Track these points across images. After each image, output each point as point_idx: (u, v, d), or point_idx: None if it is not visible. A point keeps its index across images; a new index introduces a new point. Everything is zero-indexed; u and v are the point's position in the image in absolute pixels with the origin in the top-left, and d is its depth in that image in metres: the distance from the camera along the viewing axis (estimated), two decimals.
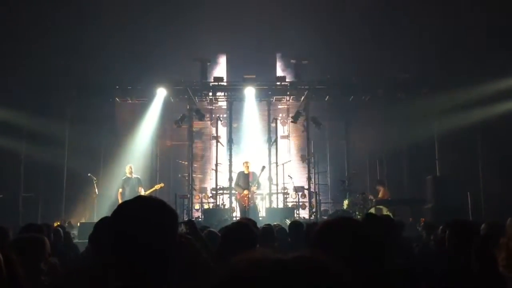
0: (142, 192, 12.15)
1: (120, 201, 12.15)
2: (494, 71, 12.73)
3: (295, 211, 13.45)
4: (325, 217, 12.60)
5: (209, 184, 15.67)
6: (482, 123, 13.26)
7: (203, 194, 14.92)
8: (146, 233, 1.44)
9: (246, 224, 3.12)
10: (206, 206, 14.31)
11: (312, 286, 0.71)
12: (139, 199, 1.57)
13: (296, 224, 5.77)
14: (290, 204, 14.16)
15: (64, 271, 3.84)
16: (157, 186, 12.83)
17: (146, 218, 1.47)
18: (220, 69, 15.85)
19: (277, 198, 14.26)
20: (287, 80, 15.13)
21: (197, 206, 14.44)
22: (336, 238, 1.85)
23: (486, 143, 13.70)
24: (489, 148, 13.52)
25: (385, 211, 11.04)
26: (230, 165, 14.12)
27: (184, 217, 12.08)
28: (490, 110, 12.98)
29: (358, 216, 11.62)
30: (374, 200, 12.55)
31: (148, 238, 1.44)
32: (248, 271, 0.72)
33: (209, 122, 16.08)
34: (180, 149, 15.48)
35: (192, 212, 13.69)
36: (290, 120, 15.11)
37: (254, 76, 14.90)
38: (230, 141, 14.50)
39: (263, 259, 0.74)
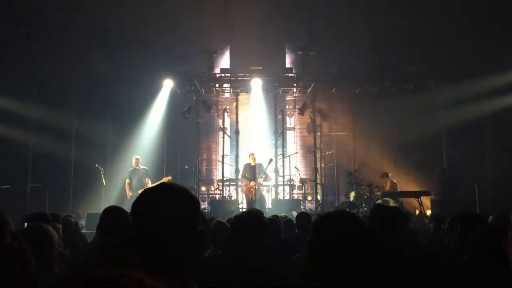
0: (149, 183, 12.17)
1: (127, 192, 12.25)
2: (502, 63, 12.63)
3: (301, 202, 13.47)
4: (331, 209, 12.60)
5: (216, 176, 15.70)
6: (489, 115, 13.19)
7: (210, 186, 14.97)
8: (172, 228, 1.44)
9: (256, 213, 3.14)
10: (212, 198, 14.37)
11: None
12: (162, 187, 1.56)
13: (304, 216, 5.76)
14: (296, 196, 14.16)
15: (74, 261, 3.87)
16: (165, 179, 12.82)
17: (170, 208, 1.47)
18: (227, 60, 15.81)
19: (283, 189, 14.26)
20: (293, 71, 15.08)
21: (203, 198, 14.49)
22: (328, 229, 1.90)
23: (493, 135, 13.62)
24: (496, 141, 13.44)
25: (392, 203, 11.01)
26: (237, 157, 14.14)
27: None
28: (498, 103, 12.91)
29: (365, 208, 11.63)
30: (381, 192, 12.53)
31: (172, 232, 1.44)
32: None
33: (215, 114, 16.08)
34: (187, 140, 15.50)
35: None
36: (297, 112, 15.05)
37: (260, 68, 14.85)
38: (236, 133, 14.50)
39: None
